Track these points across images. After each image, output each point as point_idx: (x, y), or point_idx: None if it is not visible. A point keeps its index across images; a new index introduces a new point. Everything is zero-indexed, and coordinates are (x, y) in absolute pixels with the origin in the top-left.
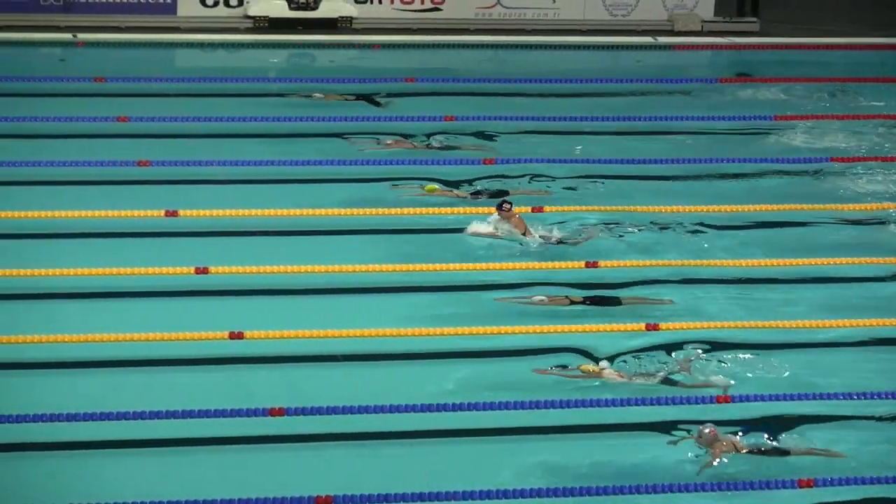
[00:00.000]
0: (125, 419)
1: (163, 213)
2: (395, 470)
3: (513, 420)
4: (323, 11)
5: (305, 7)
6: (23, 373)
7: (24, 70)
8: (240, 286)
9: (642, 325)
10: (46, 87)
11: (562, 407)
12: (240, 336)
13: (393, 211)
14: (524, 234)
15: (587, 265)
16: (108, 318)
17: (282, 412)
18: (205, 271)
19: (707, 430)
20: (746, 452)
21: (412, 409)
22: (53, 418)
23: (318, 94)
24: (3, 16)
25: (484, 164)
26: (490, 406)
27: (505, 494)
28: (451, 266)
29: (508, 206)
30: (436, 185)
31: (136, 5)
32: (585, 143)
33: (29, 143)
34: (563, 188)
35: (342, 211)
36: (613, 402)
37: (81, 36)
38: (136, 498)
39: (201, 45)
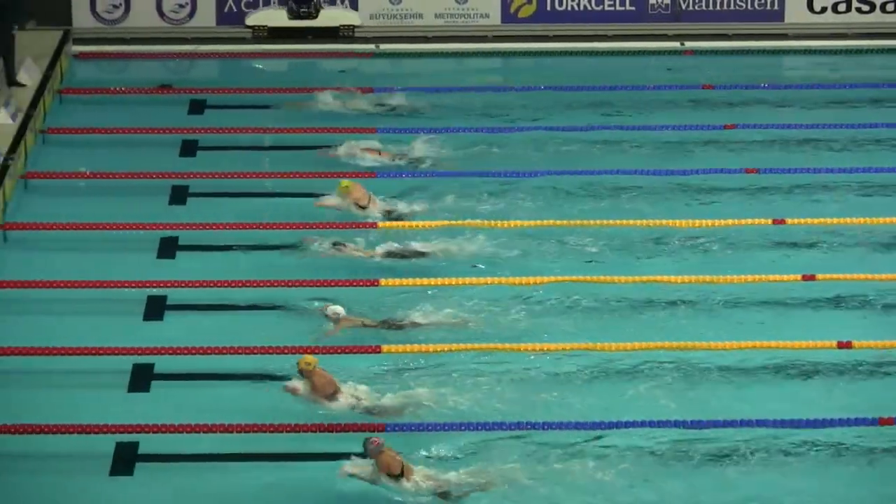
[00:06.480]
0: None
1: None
2: None
3: None
4: (323, 20)
5: (307, 16)
6: None
7: (632, 79)
8: None
9: None
10: (653, 96)
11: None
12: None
13: None
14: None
15: None
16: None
17: None
18: None
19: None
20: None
21: None
22: None
23: None
24: (612, 25)
25: None
26: None
27: None
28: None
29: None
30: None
31: (743, 13)
32: None
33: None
34: None
35: None
36: None
37: (689, 44)
38: None
39: (806, 51)
